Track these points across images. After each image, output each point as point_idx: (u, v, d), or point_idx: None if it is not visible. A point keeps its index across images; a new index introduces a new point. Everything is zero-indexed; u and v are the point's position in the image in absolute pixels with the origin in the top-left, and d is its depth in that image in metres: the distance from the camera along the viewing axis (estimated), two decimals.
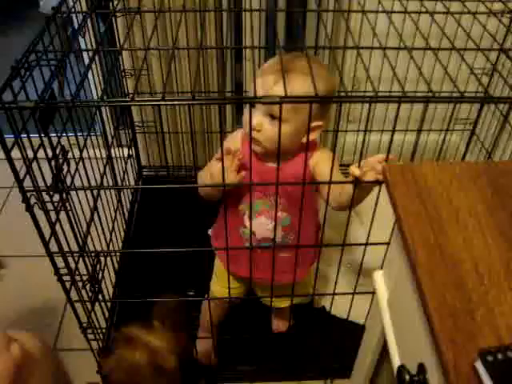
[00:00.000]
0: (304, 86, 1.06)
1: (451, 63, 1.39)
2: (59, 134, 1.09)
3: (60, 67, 1.04)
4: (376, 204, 1.12)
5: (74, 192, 1.13)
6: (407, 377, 0.70)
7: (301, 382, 1.61)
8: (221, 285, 1.42)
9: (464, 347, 0.57)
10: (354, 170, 1.04)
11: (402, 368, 0.72)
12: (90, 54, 1.51)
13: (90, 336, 1.39)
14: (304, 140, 1.14)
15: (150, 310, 1.25)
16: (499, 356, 0.55)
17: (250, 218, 1.18)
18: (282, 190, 1.19)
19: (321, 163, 1.20)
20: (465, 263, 0.66)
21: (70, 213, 1.12)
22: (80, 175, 1.18)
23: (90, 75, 1.70)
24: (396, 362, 0.82)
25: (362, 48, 1.09)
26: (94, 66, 1.77)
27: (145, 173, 2.25)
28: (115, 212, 1.65)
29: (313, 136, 1.16)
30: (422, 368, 0.69)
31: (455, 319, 0.60)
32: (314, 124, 1.11)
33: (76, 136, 1.20)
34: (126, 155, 1.93)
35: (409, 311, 0.76)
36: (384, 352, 1.06)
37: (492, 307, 0.61)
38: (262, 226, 1.27)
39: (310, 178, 1.21)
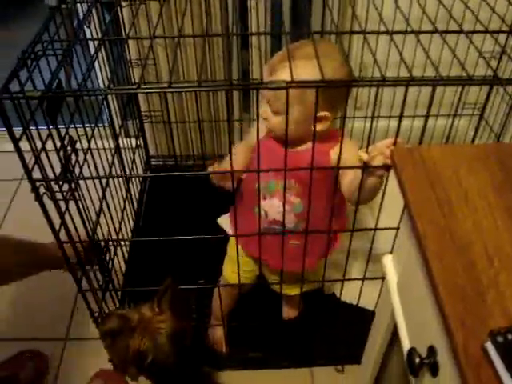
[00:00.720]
0: (309, 72, 1.03)
1: (459, 47, 1.38)
2: (67, 125, 1.09)
3: (66, 57, 1.04)
4: (385, 189, 1.12)
5: (84, 183, 1.14)
6: (417, 359, 0.70)
7: (311, 369, 1.62)
8: (232, 269, 1.43)
9: (474, 329, 0.57)
10: (363, 154, 1.04)
11: (412, 351, 0.72)
12: (96, 43, 1.51)
13: None
14: (318, 128, 1.13)
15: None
16: (509, 337, 0.55)
17: (259, 199, 1.22)
18: (297, 176, 1.20)
19: (346, 161, 1.15)
20: (474, 245, 0.66)
21: (79, 202, 1.13)
22: (88, 165, 1.19)
23: (96, 66, 1.70)
24: (406, 345, 0.82)
25: (369, 33, 1.08)
26: (100, 57, 1.77)
27: (153, 163, 2.26)
28: (124, 202, 1.65)
29: (319, 127, 1.13)
30: (432, 350, 0.69)
31: (465, 302, 0.60)
32: (319, 114, 1.10)
33: (84, 127, 1.20)
34: (133, 145, 1.93)
35: (419, 294, 0.76)
36: (394, 337, 1.06)
37: (502, 289, 0.61)
38: (274, 207, 1.27)
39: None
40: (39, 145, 1.00)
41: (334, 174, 1.19)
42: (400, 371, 1.18)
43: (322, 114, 1.13)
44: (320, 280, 1.43)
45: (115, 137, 1.52)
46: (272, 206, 1.28)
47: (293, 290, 1.49)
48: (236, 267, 1.34)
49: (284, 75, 1.04)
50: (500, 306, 0.59)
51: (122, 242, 1.61)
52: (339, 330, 1.58)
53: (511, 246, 0.66)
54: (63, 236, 1.15)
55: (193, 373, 1.32)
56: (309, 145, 1.16)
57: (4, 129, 0.93)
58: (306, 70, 1.03)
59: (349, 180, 1.16)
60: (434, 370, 0.69)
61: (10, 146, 0.95)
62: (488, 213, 0.70)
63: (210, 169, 1.34)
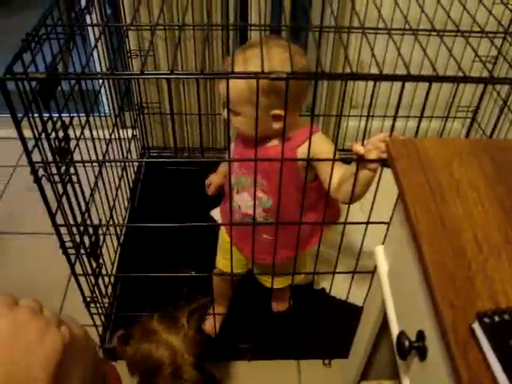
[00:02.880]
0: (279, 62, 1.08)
1: (455, 50, 1.40)
2: (61, 109, 1.10)
3: (69, 40, 1.06)
4: (377, 184, 1.14)
5: (80, 171, 1.15)
6: (406, 343, 0.72)
7: (299, 362, 1.63)
8: (224, 256, 1.47)
9: (463, 310, 0.59)
10: (358, 147, 1.05)
11: (401, 334, 0.74)
12: (96, 31, 1.52)
13: (93, 310, 1.41)
14: (275, 126, 1.18)
15: (155, 287, 1.27)
16: (496, 318, 0.57)
17: (230, 192, 1.27)
18: (264, 172, 1.23)
19: (321, 153, 1.18)
20: (465, 233, 0.68)
21: (76, 185, 1.14)
22: (88, 150, 1.21)
23: (95, 56, 1.71)
24: (395, 331, 0.84)
25: (368, 28, 1.10)
26: (99, 47, 1.78)
27: (148, 154, 2.27)
28: (116, 190, 1.66)
29: (277, 125, 1.18)
30: (421, 335, 0.71)
31: (455, 285, 0.62)
32: (273, 112, 1.16)
33: (78, 116, 1.22)
34: (130, 136, 1.95)
35: (409, 281, 0.78)
36: (381, 332, 1.09)
37: (490, 274, 0.63)
38: (244, 201, 1.33)
39: (296, 165, 1.22)
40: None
41: (300, 170, 1.22)
42: (386, 367, 1.21)
43: (276, 112, 1.16)
44: (307, 273, 1.45)
45: (115, 116, 1.52)
46: (243, 200, 1.33)
47: (277, 283, 1.51)
48: (225, 255, 1.40)
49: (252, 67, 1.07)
50: (488, 290, 0.61)
51: (115, 227, 1.63)
52: (327, 324, 1.60)
53: (500, 234, 0.68)
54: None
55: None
56: (275, 142, 1.23)
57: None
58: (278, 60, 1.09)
59: (335, 180, 1.17)
60: (423, 354, 0.71)
61: (6, 133, 0.96)
62: (478, 202, 0.73)
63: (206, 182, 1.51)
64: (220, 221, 1.58)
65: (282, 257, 1.39)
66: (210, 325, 1.59)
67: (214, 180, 1.55)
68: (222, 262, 1.51)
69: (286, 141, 1.19)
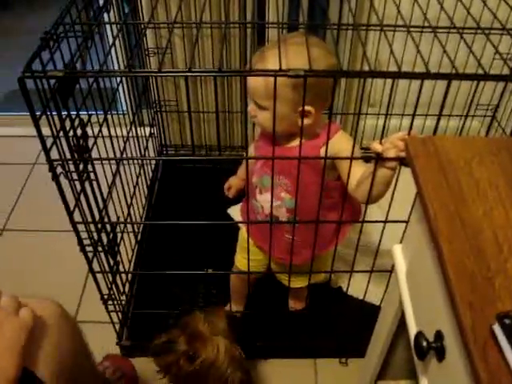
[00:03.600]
0: (300, 61, 1.02)
1: (475, 46, 1.39)
2: (79, 108, 1.11)
3: (87, 38, 1.06)
4: (396, 183, 1.13)
5: (98, 170, 1.16)
6: (424, 343, 0.72)
7: (316, 360, 1.63)
8: (243, 256, 1.45)
9: (482, 311, 0.58)
10: (376, 146, 1.04)
11: (419, 334, 0.73)
12: (114, 29, 1.53)
13: (111, 307, 1.42)
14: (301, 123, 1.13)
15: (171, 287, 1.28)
16: None
17: (247, 192, 1.25)
18: (287, 172, 1.22)
19: (342, 152, 1.16)
20: (484, 233, 0.67)
21: (94, 182, 1.15)
22: (106, 147, 1.21)
23: (113, 55, 1.71)
24: (413, 331, 0.83)
25: (386, 26, 1.09)
26: (117, 45, 1.79)
27: (165, 152, 2.28)
28: (134, 188, 1.67)
29: (304, 122, 1.11)
30: (439, 335, 0.71)
31: (474, 285, 0.61)
32: (300, 109, 1.10)
33: (97, 114, 1.22)
34: (147, 134, 1.96)
35: (427, 281, 0.77)
36: (399, 332, 1.08)
37: (511, 275, 0.62)
38: (268, 202, 1.29)
39: (320, 164, 1.18)
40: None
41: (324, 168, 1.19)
42: (404, 366, 1.20)
43: (305, 108, 1.11)
44: (325, 271, 1.44)
45: (134, 113, 1.53)
46: (266, 201, 1.30)
47: (297, 283, 1.51)
48: (245, 254, 1.38)
49: (271, 64, 1.05)
50: (508, 290, 0.60)
51: (132, 226, 1.63)
52: (344, 323, 1.59)
53: None
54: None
55: None
56: (298, 141, 1.16)
57: (19, 113, 0.95)
58: (298, 60, 1.04)
59: (356, 179, 1.16)
60: (441, 354, 0.70)
61: (25, 131, 0.97)
62: (499, 203, 0.71)
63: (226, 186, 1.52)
64: (237, 219, 1.57)
65: (304, 258, 1.37)
66: None
67: (233, 183, 1.54)
68: (242, 262, 1.50)
69: (312, 138, 1.18)
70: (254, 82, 1.11)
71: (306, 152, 1.10)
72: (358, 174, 1.15)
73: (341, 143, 1.18)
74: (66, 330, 0.90)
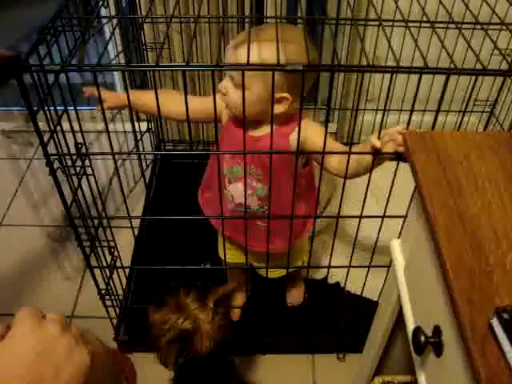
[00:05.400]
0: (271, 52, 0.99)
1: (473, 42, 1.39)
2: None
3: (85, 32, 1.06)
4: (394, 179, 1.13)
5: (97, 165, 1.15)
6: (422, 338, 0.71)
7: (314, 356, 1.63)
8: (222, 247, 1.47)
9: (480, 306, 0.58)
10: (375, 141, 1.03)
11: (417, 329, 0.73)
12: (111, 23, 1.53)
13: (108, 303, 1.42)
14: (277, 110, 1.12)
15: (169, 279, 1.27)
16: None
17: (219, 184, 1.20)
18: (259, 161, 1.22)
19: (313, 137, 1.18)
20: (483, 227, 0.67)
21: (91, 178, 1.14)
22: (103, 142, 1.21)
23: (110, 48, 1.71)
24: (411, 327, 0.83)
25: (384, 20, 1.09)
26: (115, 40, 1.79)
27: (163, 147, 2.27)
28: (134, 183, 1.67)
29: (280, 108, 1.14)
30: (437, 330, 0.71)
31: (472, 279, 0.61)
32: (279, 95, 1.11)
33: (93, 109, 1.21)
34: (145, 129, 1.95)
35: (426, 276, 0.77)
36: (396, 327, 1.08)
37: (509, 269, 0.62)
38: (239, 191, 1.30)
39: (289, 150, 1.19)
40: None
41: (294, 155, 1.16)
42: (401, 362, 1.20)
43: (283, 94, 1.12)
44: (323, 267, 1.44)
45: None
46: (237, 190, 1.30)
47: (275, 273, 1.50)
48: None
49: (244, 56, 0.99)
50: (506, 285, 0.60)
51: (129, 221, 1.63)
52: (342, 318, 1.59)
53: None
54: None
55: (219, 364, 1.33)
56: (267, 129, 1.13)
57: (16, 108, 0.95)
58: (270, 52, 1.02)
59: (335, 163, 1.17)
60: (439, 349, 0.70)
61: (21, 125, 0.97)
62: (497, 198, 0.71)
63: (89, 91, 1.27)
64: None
65: (278, 246, 1.37)
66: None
67: (109, 98, 1.31)
68: (222, 253, 1.49)
69: (281, 126, 1.19)
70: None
71: (275, 140, 1.07)
72: (336, 157, 1.15)
73: (310, 127, 1.19)
74: (109, 364, 0.88)
